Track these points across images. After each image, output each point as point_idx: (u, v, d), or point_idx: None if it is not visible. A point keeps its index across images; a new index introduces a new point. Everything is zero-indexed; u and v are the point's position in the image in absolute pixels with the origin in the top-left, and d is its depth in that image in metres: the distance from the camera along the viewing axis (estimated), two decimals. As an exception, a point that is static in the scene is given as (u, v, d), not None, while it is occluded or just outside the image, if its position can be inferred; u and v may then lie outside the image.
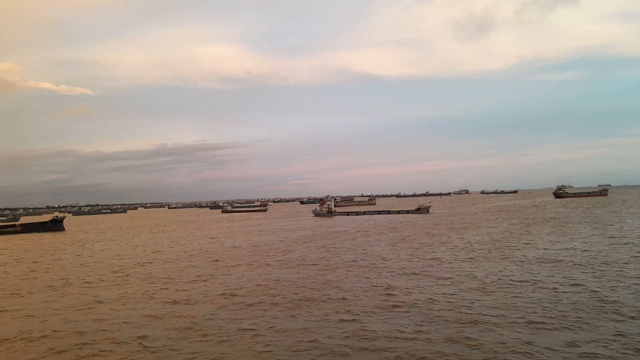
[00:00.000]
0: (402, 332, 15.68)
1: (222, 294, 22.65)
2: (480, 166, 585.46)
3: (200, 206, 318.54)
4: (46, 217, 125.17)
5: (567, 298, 19.35)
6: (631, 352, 13.16)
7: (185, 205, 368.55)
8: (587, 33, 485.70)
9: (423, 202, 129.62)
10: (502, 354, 13.36)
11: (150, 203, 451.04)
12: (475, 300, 19.56)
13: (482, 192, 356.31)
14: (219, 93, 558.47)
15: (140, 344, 15.54)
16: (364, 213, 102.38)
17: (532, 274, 24.83)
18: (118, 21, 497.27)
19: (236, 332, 16.36)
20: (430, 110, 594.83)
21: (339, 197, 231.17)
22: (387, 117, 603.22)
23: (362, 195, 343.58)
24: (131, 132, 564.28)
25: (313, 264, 31.23)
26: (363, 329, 16.09)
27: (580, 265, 26.90)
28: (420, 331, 15.65)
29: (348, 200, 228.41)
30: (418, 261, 30.74)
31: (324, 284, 24.34)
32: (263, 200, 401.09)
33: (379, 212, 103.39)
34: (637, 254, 29.89)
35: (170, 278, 28.07)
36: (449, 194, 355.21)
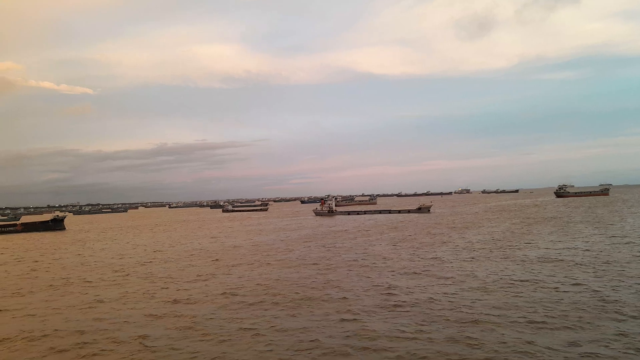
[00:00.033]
0: (403, 331, 15.65)
1: (222, 294, 22.65)
2: (481, 165, 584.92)
3: (201, 205, 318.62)
4: (47, 217, 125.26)
5: (569, 298, 19.31)
6: (633, 352, 13.12)
7: (186, 205, 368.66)
8: (588, 32, 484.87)
9: (424, 201, 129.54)
10: (504, 354, 13.33)
11: (151, 202, 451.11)
12: (476, 299, 19.53)
13: (484, 192, 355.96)
14: (220, 92, 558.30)
15: (141, 343, 15.54)
16: (365, 212, 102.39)
17: (533, 273, 24.79)
18: (118, 20, 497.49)
19: (237, 332, 16.34)
20: (431, 109, 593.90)
21: (339, 196, 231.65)
22: (388, 116, 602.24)
23: (363, 195, 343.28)
24: (132, 131, 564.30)
25: (314, 264, 31.21)
26: (364, 329, 16.07)
27: (581, 264, 26.86)
28: (422, 331, 15.63)
29: (349, 199, 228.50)
30: (419, 261, 30.71)
31: (324, 283, 24.32)
32: (264, 199, 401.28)
33: (380, 212, 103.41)
34: (638, 254, 29.81)
35: (171, 277, 28.07)
36: (450, 193, 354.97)
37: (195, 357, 14.13)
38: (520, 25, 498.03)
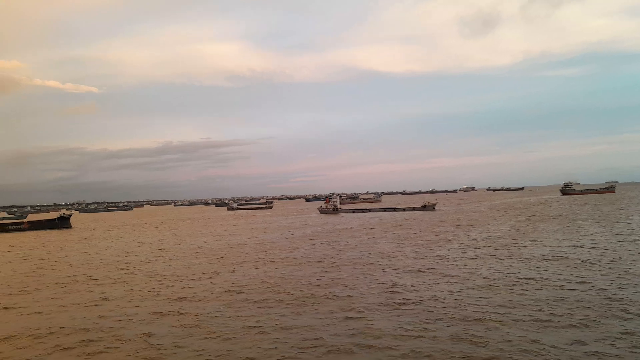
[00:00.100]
0: (408, 329, 15.63)
1: (227, 291, 22.72)
2: (486, 163, 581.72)
3: (206, 203, 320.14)
4: (53, 215, 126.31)
5: (574, 296, 19.20)
6: (639, 351, 13.02)
7: (191, 203, 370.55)
8: (594, 28, 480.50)
9: (429, 199, 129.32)
10: (509, 352, 13.27)
11: (156, 200, 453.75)
12: (481, 297, 19.46)
13: (489, 189, 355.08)
14: (224, 91, 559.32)
15: (145, 341, 15.62)
16: (370, 210, 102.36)
17: (538, 271, 24.66)
18: (123, 19, 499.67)
19: (242, 329, 16.39)
20: (435, 106, 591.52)
21: (344, 194, 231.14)
22: (392, 114, 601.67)
23: (367, 193, 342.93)
24: (137, 129, 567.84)
25: (318, 262, 31.23)
26: (368, 327, 16.05)
27: (587, 262, 26.68)
28: (426, 329, 15.59)
29: (353, 197, 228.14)
30: (424, 259, 30.65)
31: (329, 281, 24.33)
32: (268, 197, 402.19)
33: (385, 210, 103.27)
34: (645, 252, 29.56)
35: (176, 275, 28.19)
36: (455, 191, 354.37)
37: (200, 355, 14.18)
38: (525, 22, 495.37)
